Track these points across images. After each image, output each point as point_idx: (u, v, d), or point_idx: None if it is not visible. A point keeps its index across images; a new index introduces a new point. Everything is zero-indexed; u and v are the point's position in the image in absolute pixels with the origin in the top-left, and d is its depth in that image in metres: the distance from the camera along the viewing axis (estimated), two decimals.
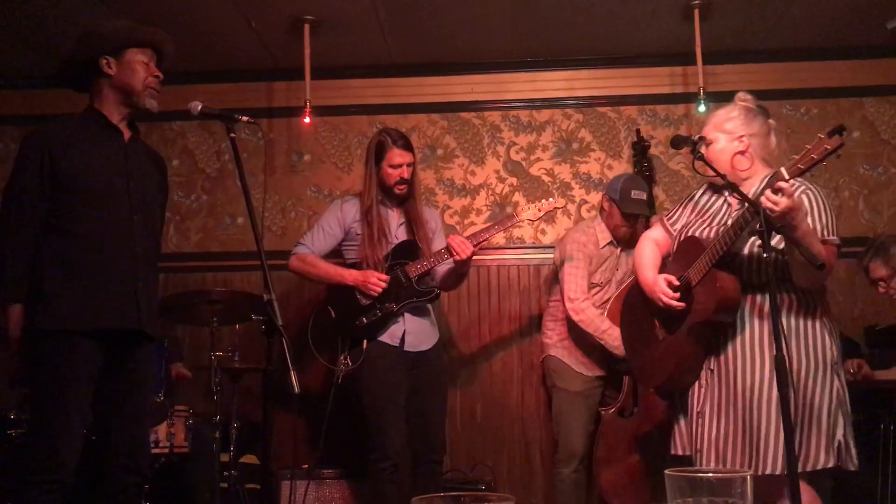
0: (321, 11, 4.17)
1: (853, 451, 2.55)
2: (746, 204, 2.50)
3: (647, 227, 4.08)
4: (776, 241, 2.51)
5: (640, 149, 4.51)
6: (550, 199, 3.67)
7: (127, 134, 2.78)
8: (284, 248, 4.01)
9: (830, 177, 4.62)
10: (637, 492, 3.79)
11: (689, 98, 4.60)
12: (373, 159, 3.60)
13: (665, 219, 3.00)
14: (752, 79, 4.64)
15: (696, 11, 4.17)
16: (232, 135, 2.71)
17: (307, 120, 4.37)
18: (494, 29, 4.40)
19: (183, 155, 4.89)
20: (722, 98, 4.60)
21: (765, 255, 2.37)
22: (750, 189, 2.66)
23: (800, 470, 2.42)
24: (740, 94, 2.86)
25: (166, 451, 3.62)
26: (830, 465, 2.49)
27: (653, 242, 2.98)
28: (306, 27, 4.25)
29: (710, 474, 0.87)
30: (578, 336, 3.92)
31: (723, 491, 0.87)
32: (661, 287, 2.75)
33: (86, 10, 3.96)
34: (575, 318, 3.82)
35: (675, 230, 2.91)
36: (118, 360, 2.66)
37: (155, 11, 4.05)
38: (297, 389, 2.36)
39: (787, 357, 2.44)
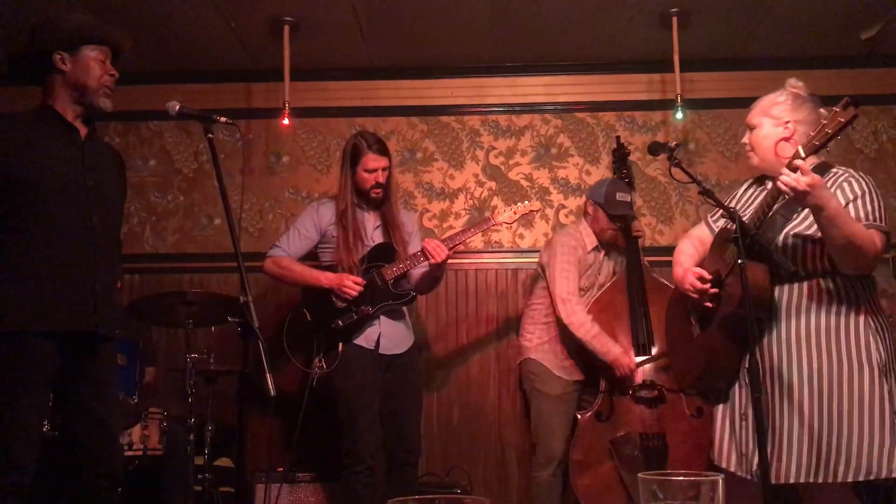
0: (301, 13, 4.16)
1: None
2: (771, 187, 2.40)
3: (631, 229, 4.12)
4: (812, 229, 2.43)
5: (620, 155, 4.55)
6: (526, 203, 3.70)
7: (83, 131, 2.73)
8: (262, 249, 3.99)
9: None
10: (613, 496, 3.80)
11: (666, 105, 4.64)
12: (348, 163, 3.61)
13: (709, 216, 2.90)
14: (729, 87, 4.70)
15: (675, 19, 4.21)
16: (210, 135, 2.69)
17: (286, 121, 4.36)
18: (474, 33, 4.41)
19: (160, 155, 4.85)
20: (699, 105, 4.69)
21: (739, 261, 2.37)
22: None
23: (851, 479, 2.34)
24: (791, 80, 2.71)
25: (140, 453, 3.58)
26: (884, 476, 2.34)
27: (694, 239, 2.87)
28: (286, 28, 4.24)
29: (682, 479, 0.88)
30: (560, 339, 3.94)
31: (695, 494, 0.88)
32: (689, 278, 2.63)
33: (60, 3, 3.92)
34: (566, 319, 3.82)
35: (717, 227, 2.81)
36: (78, 361, 2.62)
37: (133, 10, 4.03)
38: (272, 392, 2.35)
39: (823, 357, 2.40)
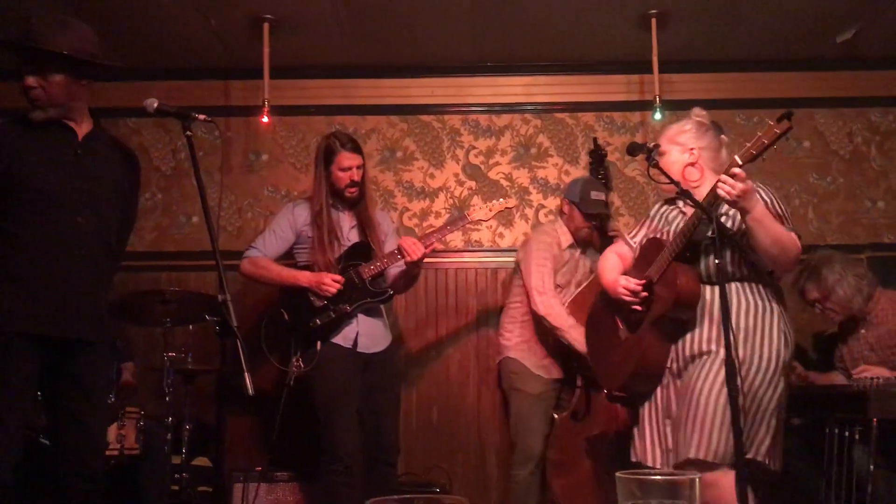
0: (281, 11, 4.14)
1: (780, 451, 2.67)
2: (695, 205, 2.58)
3: (606, 228, 4.15)
4: (736, 231, 2.62)
5: (598, 157, 4.57)
6: (501, 200, 3.73)
7: (83, 130, 2.71)
8: (240, 248, 3.97)
9: (781, 185, 4.72)
10: (591, 495, 3.82)
11: (645, 106, 4.67)
12: (322, 163, 3.61)
13: (627, 235, 3.11)
14: (706, 88, 4.74)
15: (654, 21, 4.24)
16: (188, 133, 2.67)
17: (265, 119, 4.34)
18: (454, 33, 4.41)
19: (138, 152, 4.64)
20: (677, 106, 4.71)
21: (716, 261, 2.46)
22: (700, 198, 2.71)
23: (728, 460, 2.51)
24: (696, 110, 2.96)
25: (116, 452, 3.55)
26: (760, 458, 2.58)
27: (615, 254, 3.08)
28: (265, 26, 4.22)
29: (660, 477, 0.89)
30: (538, 338, 3.96)
31: (672, 493, 0.89)
32: (622, 282, 2.82)
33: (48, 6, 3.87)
34: (542, 311, 3.84)
35: (635, 244, 3.01)
36: (61, 365, 2.61)
37: (111, 6, 3.99)
38: (251, 391, 2.34)
39: (738, 355, 2.52)
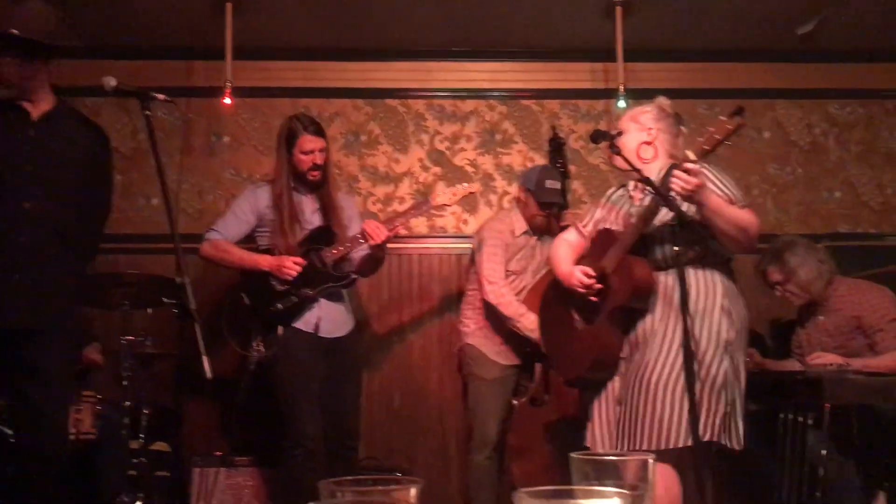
0: None
1: (739, 431, 2.68)
2: (655, 192, 2.61)
3: (561, 217, 4.17)
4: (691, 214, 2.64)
5: (556, 145, 4.58)
6: (465, 185, 3.73)
7: (40, 109, 2.64)
8: (201, 231, 3.92)
9: (742, 175, 4.78)
10: (550, 481, 3.84)
11: (609, 94, 4.69)
12: (284, 146, 3.58)
13: (579, 224, 3.11)
14: (670, 77, 4.78)
15: (619, 9, 4.26)
16: (147, 112, 2.63)
17: (227, 101, 4.28)
18: (421, 17, 4.39)
19: None
20: (641, 95, 4.70)
21: (675, 248, 2.49)
22: (651, 175, 2.73)
23: (681, 444, 2.55)
24: (661, 98, 3.00)
25: (72, 437, 3.49)
26: (709, 437, 2.59)
27: (567, 243, 3.09)
28: (228, 6, 4.15)
29: (614, 458, 0.89)
30: (496, 324, 3.97)
31: (626, 474, 0.89)
32: (577, 275, 2.83)
33: None
34: (492, 300, 3.86)
35: (587, 232, 3.03)
36: (13, 353, 2.56)
37: None
38: (209, 375, 2.32)
39: (693, 342, 2.58)
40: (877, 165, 4.89)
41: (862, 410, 3.29)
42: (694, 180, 2.49)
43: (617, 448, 2.71)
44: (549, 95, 4.85)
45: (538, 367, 3.95)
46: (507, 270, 3.98)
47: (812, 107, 4.90)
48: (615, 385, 2.81)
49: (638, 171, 2.73)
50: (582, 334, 2.90)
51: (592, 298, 2.82)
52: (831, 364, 3.30)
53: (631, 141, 2.87)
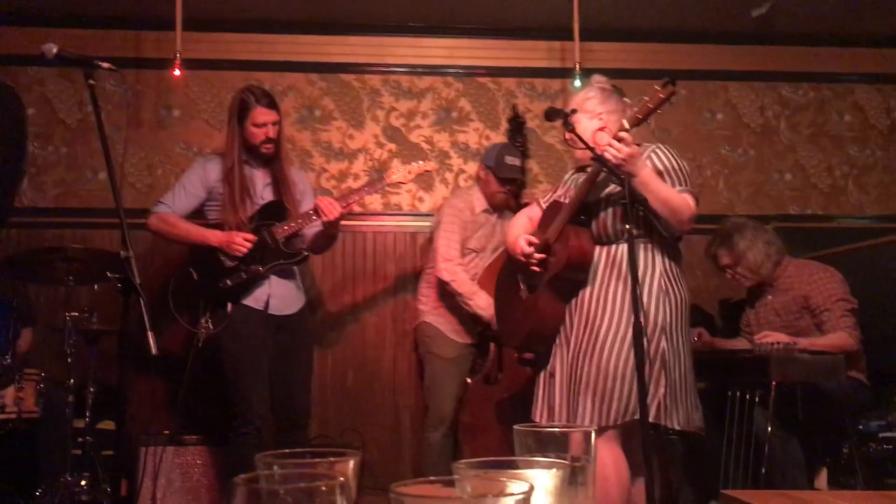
0: None
1: (679, 412, 2.69)
2: (601, 166, 2.64)
3: (521, 195, 4.18)
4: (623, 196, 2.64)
5: (516, 124, 4.57)
6: (421, 162, 3.69)
7: None
8: (150, 205, 3.83)
9: (694, 156, 4.83)
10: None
11: (566, 73, 4.68)
12: (235, 118, 3.50)
13: (540, 199, 3.14)
14: (626, 57, 4.79)
15: None
16: (91, 81, 2.55)
17: (177, 73, 4.18)
18: None
19: (40, 103, 4.57)
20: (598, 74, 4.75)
21: (626, 226, 2.50)
22: None
23: (617, 421, 2.59)
24: (595, 76, 3.04)
25: (14, 416, 3.41)
26: (653, 420, 2.59)
27: (526, 216, 3.12)
28: None
29: (557, 429, 0.88)
30: (453, 303, 3.96)
31: (568, 446, 0.88)
32: (520, 243, 2.87)
33: None
34: (446, 277, 3.86)
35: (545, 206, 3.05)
36: None
37: None
38: (154, 351, 2.27)
39: (623, 316, 2.63)
40: (826, 148, 4.97)
41: (806, 388, 3.35)
42: (626, 149, 2.54)
43: (556, 420, 2.73)
44: (506, 73, 4.82)
45: (492, 345, 3.96)
46: (468, 248, 3.97)
47: (765, 89, 4.96)
48: (554, 356, 2.82)
49: (591, 148, 2.72)
50: (524, 303, 2.93)
51: (534, 268, 2.85)
52: (778, 343, 3.35)
53: (584, 132, 2.86)
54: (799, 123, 4.97)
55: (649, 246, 2.75)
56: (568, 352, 2.76)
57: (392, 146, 4.74)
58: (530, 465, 0.76)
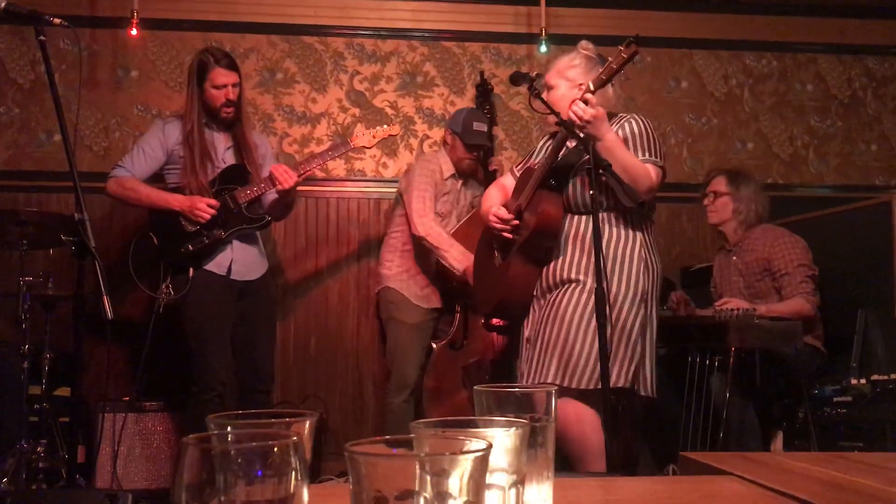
0: None
1: (649, 378, 2.74)
2: (565, 131, 2.63)
3: (490, 163, 4.16)
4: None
5: (484, 90, 4.53)
6: (385, 126, 3.65)
7: None
8: (107, 169, 3.74)
9: (658, 124, 4.83)
10: None
11: (532, 39, 4.65)
12: (194, 80, 3.43)
13: (514, 167, 3.12)
14: (592, 23, 4.76)
15: None
16: (42, 38, 2.46)
17: (134, 32, 4.07)
18: None
19: None
20: (563, 41, 4.72)
21: (591, 192, 2.49)
22: None
23: (580, 386, 2.61)
24: (583, 43, 2.95)
25: None
26: (622, 384, 2.66)
27: (500, 185, 3.11)
28: None
29: (517, 389, 0.87)
30: (418, 268, 3.96)
31: (529, 406, 0.87)
32: (493, 209, 2.86)
33: None
34: (421, 232, 3.83)
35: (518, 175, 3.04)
36: None
37: None
38: (110, 315, 2.23)
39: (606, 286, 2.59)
40: (788, 118, 5.01)
41: (764, 354, 3.41)
42: (590, 111, 2.54)
43: (525, 382, 2.75)
44: (472, 38, 4.77)
45: (458, 311, 3.96)
46: (434, 213, 3.95)
47: (729, 58, 4.97)
48: (528, 321, 2.83)
49: (556, 113, 2.71)
50: (497, 270, 2.93)
51: (506, 235, 2.84)
52: (737, 309, 3.40)
53: (563, 99, 2.82)
54: (762, 93, 5.00)
55: (628, 216, 2.75)
56: (539, 316, 2.77)
57: (356, 111, 4.67)
58: (489, 425, 0.75)
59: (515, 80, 2.86)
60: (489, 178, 4.12)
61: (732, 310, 3.40)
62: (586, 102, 2.55)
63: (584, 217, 2.74)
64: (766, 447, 3.64)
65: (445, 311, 4.03)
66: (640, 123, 2.78)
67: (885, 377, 3.45)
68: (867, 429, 3.39)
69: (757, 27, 4.95)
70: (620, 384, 2.66)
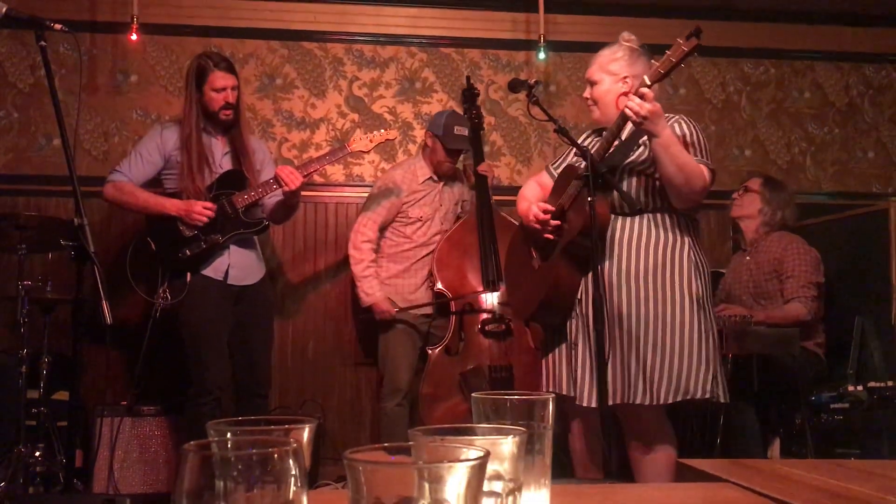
0: None
1: (723, 383, 2.64)
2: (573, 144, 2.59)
3: (480, 164, 4.17)
4: (647, 165, 2.60)
5: (470, 95, 4.54)
6: (383, 131, 3.66)
7: None
8: (105, 173, 3.74)
9: None
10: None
11: (530, 45, 4.66)
12: (193, 84, 3.43)
13: (549, 165, 3.05)
14: (590, 30, 4.77)
15: None
16: (42, 43, 2.47)
17: (134, 37, 4.08)
18: None
19: None
20: (562, 48, 4.74)
21: (589, 198, 2.48)
22: (631, 127, 2.65)
23: (672, 399, 2.54)
24: (624, 35, 2.83)
25: None
26: (699, 396, 2.56)
27: (536, 183, 3.01)
28: None
29: (515, 397, 0.88)
30: (406, 272, 3.97)
31: (527, 413, 0.88)
32: (533, 209, 2.73)
33: None
34: (350, 249, 3.93)
35: (556, 174, 2.93)
36: None
37: None
38: (108, 320, 2.23)
39: (650, 289, 2.57)
40: (785, 125, 5.02)
41: (762, 360, 3.42)
42: (648, 106, 2.41)
43: (578, 391, 2.66)
44: (470, 44, 4.78)
45: (453, 317, 3.96)
46: (411, 218, 3.98)
47: (727, 65, 4.99)
48: (571, 326, 2.71)
49: (555, 120, 2.71)
50: (538, 272, 2.82)
51: (547, 235, 2.72)
52: (735, 316, 3.41)
53: (608, 94, 2.72)
54: (759, 100, 5.01)
55: (675, 218, 2.66)
56: (591, 327, 2.60)
57: (355, 116, 4.68)
58: (487, 433, 0.76)
59: (514, 86, 2.86)
60: (480, 182, 4.12)
61: (730, 316, 3.41)
62: (642, 97, 2.41)
63: (629, 220, 2.64)
64: (765, 452, 3.65)
65: (440, 315, 4.04)
66: (690, 124, 2.69)
67: (882, 384, 3.47)
68: (864, 436, 3.40)
69: (754, 35, 4.96)
70: (699, 396, 2.56)
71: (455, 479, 0.57)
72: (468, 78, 4.59)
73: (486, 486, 0.65)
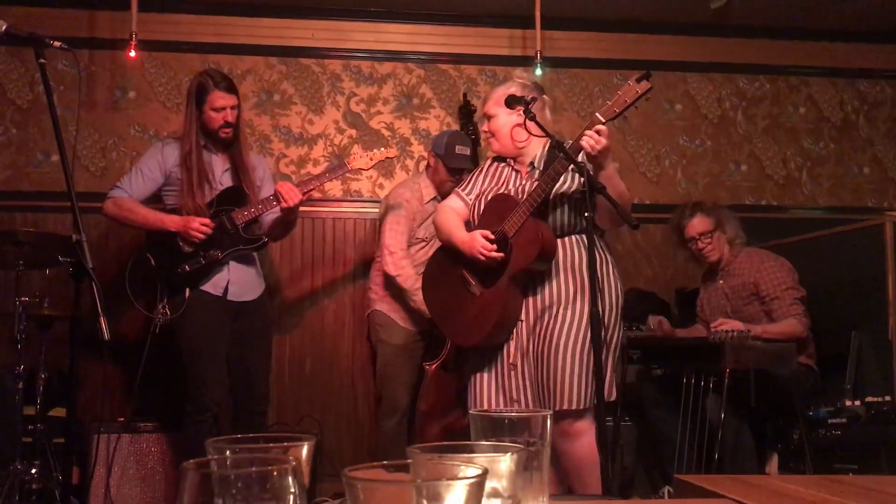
0: None
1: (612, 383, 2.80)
2: (561, 155, 2.66)
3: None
4: (572, 191, 2.75)
5: (466, 112, 4.55)
6: (382, 149, 3.67)
7: None
8: (104, 189, 3.76)
9: (653, 146, 4.88)
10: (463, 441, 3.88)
11: (527, 62, 4.68)
12: (193, 103, 3.45)
13: (460, 190, 3.09)
14: (586, 47, 4.81)
15: None
16: (41, 60, 2.48)
17: (132, 54, 4.10)
18: None
19: None
20: (558, 64, 4.78)
21: (587, 214, 2.51)
22: (533, 155, 2.89)
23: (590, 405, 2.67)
24: (517, 72, 3.11)
25: None
26: (612, 399, 2.74)
27: (454, 211, 3.04)
28: None
29: (513, 414, 0.89)
30: (401, 290, 3.97)
31: (523, 430, 0.88)
32: (480, 241, 2.80)
33: None
34: (391, 271, 3.83)
35: (470, 199, 3.02)
36: None
37: None
38: (106, 336, 2.22)
39: (585, 304, 2.68)
40: (781, 140, 5.05)
41: (759, 375, 3.42)
42: (604, 141, 2.58)
43: (511, 406, 2.78)
44: (467, 61, 4.81)
45: None
46: (417, 238, 3.95)
47: (722, 81, 5.02)
48: (510, 347, 2.82)
49: (551, 136, 2.74)
50: (480, 300, 2.87)
51: (490, 263, 2.79)
52: (733, 331, 3.41)
53: (504, 126, 2.90)
54: (755, 115, 5.04)
55: (600, 240, 2.83)
56: (531, 343, 2.78)
57: (352, 132, 4.70)
58: (485, 450, 0.76)
59: (510, 103, 2.88)
60: None
61: (727, 331, 3.42)
62: (599, 133, 2.58)
63: (566, 239, 2.80)
64: (762, 468, 3.65)
65: (435, 332, 4.02)
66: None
67: (879, 399, 3.47)
68: (861, 450, 3.40)
69: (750, 51, 5.00)
70: (612, 398, 2.74)
71: (453, 497, 0.58)
72: (465, 94, 4.61)
73: (485, 503, 0.65)
